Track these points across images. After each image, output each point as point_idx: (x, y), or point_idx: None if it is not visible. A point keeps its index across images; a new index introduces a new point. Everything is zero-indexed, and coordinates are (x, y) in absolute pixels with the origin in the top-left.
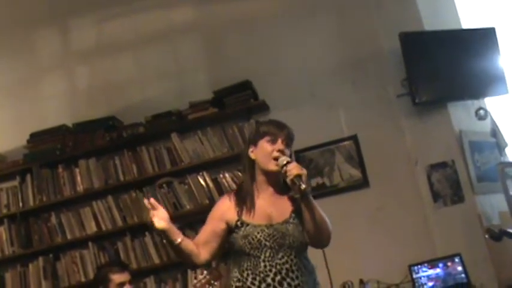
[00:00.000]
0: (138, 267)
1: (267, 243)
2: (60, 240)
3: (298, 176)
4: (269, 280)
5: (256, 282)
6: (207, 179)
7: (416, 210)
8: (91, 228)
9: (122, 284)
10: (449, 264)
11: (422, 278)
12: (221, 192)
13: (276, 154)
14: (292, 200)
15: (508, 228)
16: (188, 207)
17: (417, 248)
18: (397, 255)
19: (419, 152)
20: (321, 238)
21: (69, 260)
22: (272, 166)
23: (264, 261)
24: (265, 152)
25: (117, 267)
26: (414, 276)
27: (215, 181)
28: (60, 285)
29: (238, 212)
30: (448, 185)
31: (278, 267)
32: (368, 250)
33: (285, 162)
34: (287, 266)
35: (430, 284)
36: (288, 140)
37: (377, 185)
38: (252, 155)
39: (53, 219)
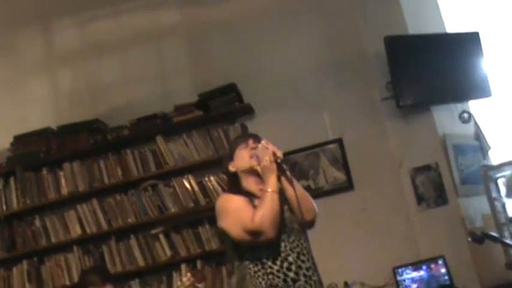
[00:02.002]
0: (123, 270)
1: (282, 226)
2: (45, 244)
3: (273, 153)
4: (290, 259)
5: (278, 262)
6: (192, 182)
7: (401, 212)
8: (76, 231)
9: None
10: (432, 266)
11: (406, 280)
12: (206, 195)
13: (252, 152)
14: None
15: (490, 231)
16: (173, 210)
17: (401, 251)
18: (382, 258)
19: (403, 154)
20: (306, 213)
21: (53, 264)
22: (253, 161)
23: (284, 241)
24: (243, 156)
25: (98, 278)
26: (398, 278)
27: (200, 184)
28: None
29: (248, 202)
30: (431, 188)
31: (293, 249)
32: (352, 252)
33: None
34: (298, 249)
35: (414, 286)
36: (257, 141)
37: (362, 187)
38: (232, 168)
39: (37, 223)
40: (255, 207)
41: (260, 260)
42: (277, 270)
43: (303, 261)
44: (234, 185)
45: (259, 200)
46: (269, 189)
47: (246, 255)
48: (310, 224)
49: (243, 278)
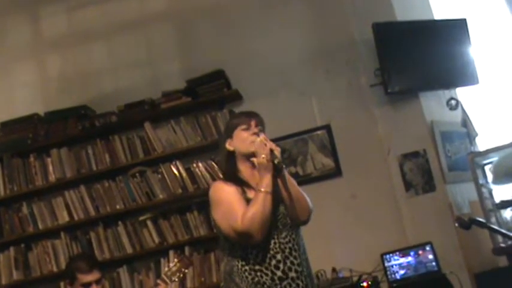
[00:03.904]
0: (110, 257)
1: (273, 223)
2: (32, 230)
3: (271, 152)
4: (279, 257)
5: (267, 260)
6: (180, 168)
7: (389, 199)
8: (63, 218)
9: (88, 284)
10: (420, 252)
11: (394, 266)
12: (194, 181)
13: (252, 138)
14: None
15: (477, 217)
16: (161, 196)
17: (389, 237)
18: (370, 244)
19: (391, 141)
20: (301, 213)
21: (41, 250)
22: (252, 147)
23: (273, 238)
24: (243, 138)
25: (86, 265)
26: (386, 264)
27: (188, 170)
28: (32, 275)
29: (241, 193)
30: (419, 174)
31: (282, 246)
32: (341, 239)
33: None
34: (290, 245)
35: (402, 272)
36: (260, 125)
37: (350, 174)
38: (230, 147)
39: (25, 209)
40: (247, 199)
41: (248, 256)
42: (266, 268)
43: (295, 257)
44: (229, 164)
45: (251, 191)
46: (262, 189)
47: (235, 249)
48: (304, 223)
49: (231, 270)
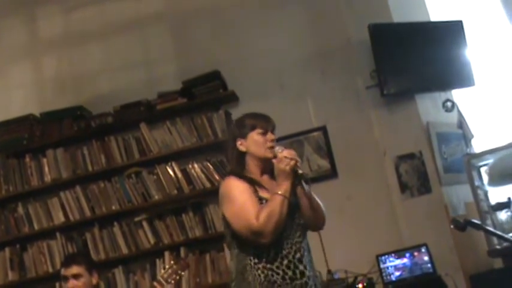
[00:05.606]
0: (106, 258)
1: (287, 222)
2: (27, 231)
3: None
4: (290, 257)
5: (278, 259)
6: (176, 169)
7: (384, 200)
8: (59, 218)
9: (64, 277)
10: (415, 254)
11: (390, 267)
12: (190, 182)
13: (270, 144)
14: None
15: (473, 219)
16: (157, 197)
17: (385, 238)
18: (365, 246)
19: (387, 143)
20: (317, 222)
21: (36, 251)
22: (269, 154)
23: (285, 238)
24: (259, 143)
25: (67, 259)
26: (381, 266)
27: (184, 171)
28: (27, 276)
29: (253, 190)
30: (415, 176)
31: (297, 245)
32: (336, 240)
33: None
34: (303, 244)
35: (397, 273)
36: (274, 130)
37: (345, 175)
38: (242, 147)
39: (20, 210)
40: (260, 198)
41: (261, 254)
42: (277, 267)
43: (306, 256)
44: (240, 165)
45: (263, 190)
46: (279, 192)
47: (246, 246)
48: (319, 229)
49: (244, 268)
